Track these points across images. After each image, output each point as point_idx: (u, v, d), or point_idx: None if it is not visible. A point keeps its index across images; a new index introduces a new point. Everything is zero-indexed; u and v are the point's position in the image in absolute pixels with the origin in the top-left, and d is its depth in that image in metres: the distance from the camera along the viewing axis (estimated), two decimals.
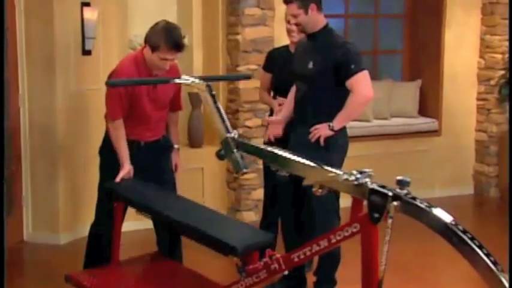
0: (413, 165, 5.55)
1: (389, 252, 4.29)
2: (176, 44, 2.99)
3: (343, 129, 3.28)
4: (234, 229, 2.70)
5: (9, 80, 4.17)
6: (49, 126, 4.30)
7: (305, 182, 2.36)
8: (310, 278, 3.56)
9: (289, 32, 3.68)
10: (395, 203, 2.07)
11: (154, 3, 4.92)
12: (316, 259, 3.47)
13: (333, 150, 3.22)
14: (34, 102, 4.33)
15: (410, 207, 2.06)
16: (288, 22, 3.66)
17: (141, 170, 3.20)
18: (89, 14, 4.36)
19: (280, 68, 3.79)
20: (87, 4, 4.37)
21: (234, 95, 4.84)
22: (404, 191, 2.09)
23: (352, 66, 3.14)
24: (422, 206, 2.04)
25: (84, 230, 3.59)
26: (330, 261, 3.39)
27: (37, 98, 4.31)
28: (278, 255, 2.41)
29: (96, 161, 3.37)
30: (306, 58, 3.27)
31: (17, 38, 4.24)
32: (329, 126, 3.20)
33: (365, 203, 2.17)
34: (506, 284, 1.82)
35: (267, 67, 3.91)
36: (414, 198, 2.08)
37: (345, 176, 2.21)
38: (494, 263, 1.87)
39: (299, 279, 3.51)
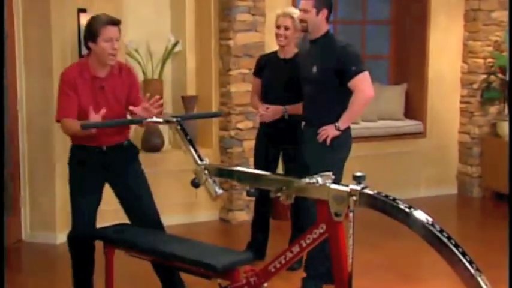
0: (400, 166, 5.71)
1: (377, 253, 4.42)
2: (110, 19, 3.10)
3: (347, 129, 3.47)
4: (213, 252, 2.83)
5: (8, 84, 4.27)
6: (46, 128, 4.40)
7: (272, 194, 2.51)
8: (299, 275, 3.65)
9: (277, 36, 3.82)
10: (354, 197, 2.23)
11: (148, 9, 5.04)
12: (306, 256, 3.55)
13: (337, 148, 3.42)
14: (32, 105, 4.44)
15: (369, 200, 2.21)
16: (278, 27, 3.82)
17: (109, 173, 3.19)
18: (85, 20, 4.45)
19: (269, 73, 3.93)
20: (84, 10, 4.48)
21: (226, 98, 4.97)
22: (361, 186, 2.24)
23: (353, 68, 3.33)
24: (379, 196, 2.19)
25: None
26: (320, 257, 3.47)
27: (35, 101, 4.43)
28: (257, 270, 2.56)
29: None
30: (310, 62, 3.45)
31: (15, 43, 4.36)
32: (335, 126, 3.39)
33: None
34: (481, 282, 1.94)
35: (256, 73, 4.05)
36: (372, 192, 2.22)
37: (307, 180, 2.36)
38: (470, 262, 1.99)
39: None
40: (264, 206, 4.07)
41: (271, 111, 3.83)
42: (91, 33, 3.09)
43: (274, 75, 3.89)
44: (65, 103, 3.10)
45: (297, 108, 3.74)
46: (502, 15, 5.71)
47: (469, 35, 5.76)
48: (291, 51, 3.85)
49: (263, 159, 3.96)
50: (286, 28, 3.78)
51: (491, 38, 5.71)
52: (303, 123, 3.66)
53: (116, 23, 3.11)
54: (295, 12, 3.75)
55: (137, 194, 3.25)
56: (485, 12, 5.67)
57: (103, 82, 3.14)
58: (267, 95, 3.93)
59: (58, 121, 3.14)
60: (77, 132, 3.06)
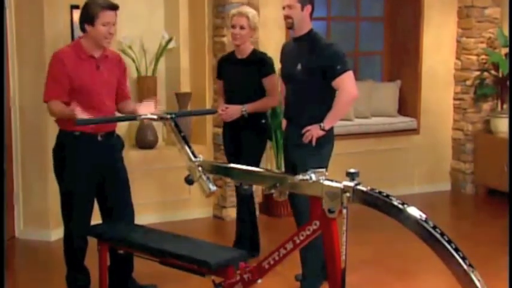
0: (393, 163, 5.73)
1: (369, 249, 4.42)
2: (109, 4, 3.11)
3: (330, 127, 3.47)
4: (207, 249, 2.84)
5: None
6: (39, 125, 4.38)
7: (266, 191, 2.50)
8: (293, 272, 3.65)
9: (233, 35, 3.87)
10: (347, 194, 2.23)
11: (142, 6, 5.04)
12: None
13: (321, 147, 3.42)
14: (25, 102, 4.43)
15: (363, 196, 2.21)
16: (233, 27, 3.86)
17: (98, 168, 3.21)
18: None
19: (227, 74, 3.99)
20: (77, 7, 4.46)
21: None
22: (355, 182, 2.24)
23: (338, 67, 3.33)
24: (372, 193, 2.19)
25: None
26: (314, 256, 3.41)
27: (28, 97, 4.41)
28: (251, 267, 2.57)
29: None
30: (294, 60, 3.45)
31: (8, 39, 4.33)
32: (320, 126, 3.39)
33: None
34: (475, 279, 1.95)
35: (218, 75, 4.10)
36: (366, 188, 2.22)
37: (300, 177, 2.36)
38: (463, 258, 1.99)
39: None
40: (247, 203, 4.06)
41: (230, 111, 3.88)
42: (89, 16, 3.09)
43: (233, 76, 3.96)
44: (53, 84, 3.10)
45: (255, 107, 3.83)
46: (495, 11, 5.73)
47: (462, 31, 5.78)
48: (246, 51, 3.92)
49: (232, 154, 4.00)
50: (242, 27, 3.83)
51: (485, 34, 5.73)
52: (284, 121, 3.66)
53: (114, 7, 3.13)
54: (250, 12, 3.85)
55: (119, 187, 3.29)
56: (479, 9, 5.69)
57: (98, 62, 3.18)
58: (228, 96, 3.99)
59: (45, 102, 3.14)
60: (62, 117, 3.08)
